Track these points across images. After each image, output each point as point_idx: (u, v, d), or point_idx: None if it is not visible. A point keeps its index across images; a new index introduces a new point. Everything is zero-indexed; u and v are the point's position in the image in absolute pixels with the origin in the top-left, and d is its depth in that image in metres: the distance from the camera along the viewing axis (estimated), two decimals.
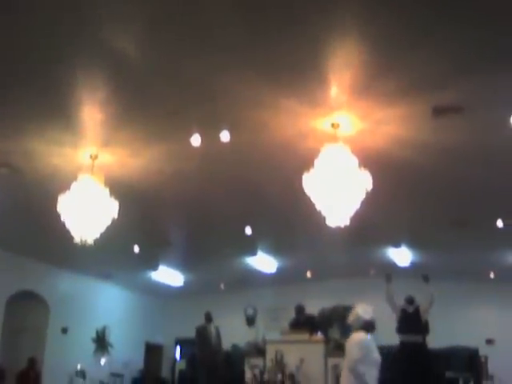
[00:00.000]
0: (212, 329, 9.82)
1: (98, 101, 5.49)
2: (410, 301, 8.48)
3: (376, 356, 4.56)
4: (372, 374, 4.44)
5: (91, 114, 5.70)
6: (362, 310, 4.84)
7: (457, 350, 10.43)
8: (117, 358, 12.52)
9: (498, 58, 4.61)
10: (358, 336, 4.65)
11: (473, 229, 8.76)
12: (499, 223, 8.36)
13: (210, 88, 5.22)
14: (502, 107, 5.37)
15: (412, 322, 8.26)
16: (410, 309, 8.41)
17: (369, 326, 4.75)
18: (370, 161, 5.79)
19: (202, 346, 9.73)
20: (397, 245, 10.37)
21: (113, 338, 12.77)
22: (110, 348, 12.65)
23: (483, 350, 10.76)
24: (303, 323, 9.34)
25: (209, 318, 9.89)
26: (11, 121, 5.84)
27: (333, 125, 5.72)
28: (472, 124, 5.69)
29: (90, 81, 5.16)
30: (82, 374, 11.20)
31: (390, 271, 8.88)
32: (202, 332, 9.80)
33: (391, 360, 8.62)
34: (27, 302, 11.18)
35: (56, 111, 5.61)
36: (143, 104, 5.54)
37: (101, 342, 12.62)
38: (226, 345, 10.70)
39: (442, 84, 5.00)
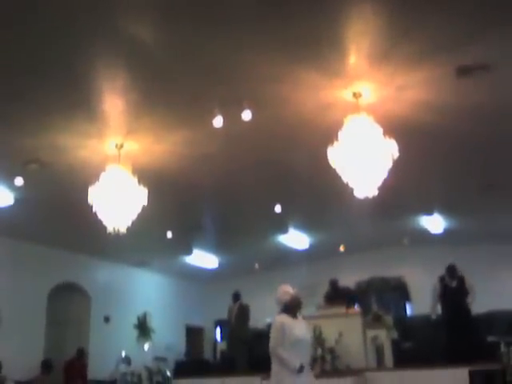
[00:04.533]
0: (235, 308, 10.04)
1: (119, 89, 5.55)
2: (452, 271, 8.24)
3: (297, 334, 4.57)
4: (295, 353, 4.48)
5: (113, 103, 5.76)
6: (282, 292, 4.87)
7: (496, 313, 10.28)
8: (159, 342, 12.75)
9: None
10: (276, 319, 4.73)
11: (504, 191, 8.59)
12: None
13: (228, 68, 5.22)
14: None
15: (455, 296, 8.11)
16: (453, 283, 8.21)
17: (290, 307, 4.78)
18: (395, 128, 5.70)
19: (228, 325, 10.42)
20: (429, 212, 10.26)
21: (154, 323, 13.00)
22: (152, 333, 12.91)
23: None
24: (339, 297, 9.36)
25: (234, 297, 10.30)
26: (36, 117, 5.95)
27: (354, 94, 5.66)
28: (498, 82, 5.54)
29: (110, 70, 5.21)
30: (127, 360, 11.45)
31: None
32: (228, 312, 10.31)
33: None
34: (68, 294, 11.43)
35: (78, 103, 5.67)
36: (163, 89, 5.57)
37: (143, 328, 12.87)
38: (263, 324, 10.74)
39: (465, 43, 4.87)
